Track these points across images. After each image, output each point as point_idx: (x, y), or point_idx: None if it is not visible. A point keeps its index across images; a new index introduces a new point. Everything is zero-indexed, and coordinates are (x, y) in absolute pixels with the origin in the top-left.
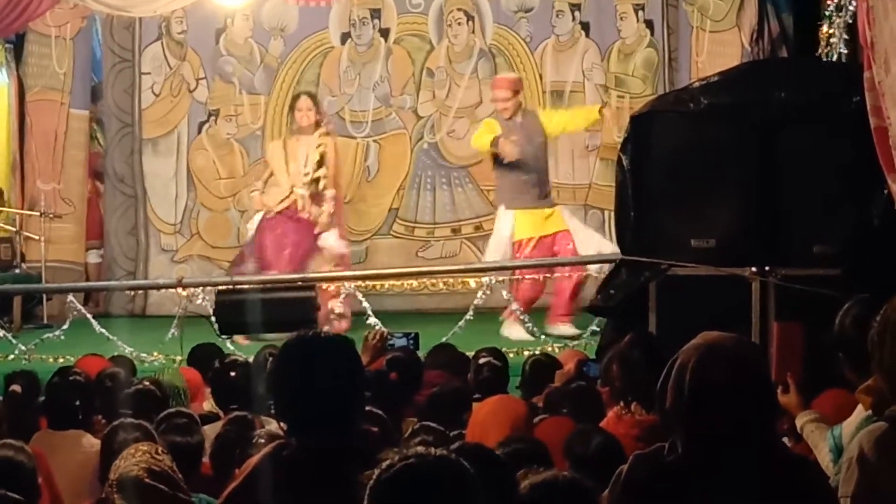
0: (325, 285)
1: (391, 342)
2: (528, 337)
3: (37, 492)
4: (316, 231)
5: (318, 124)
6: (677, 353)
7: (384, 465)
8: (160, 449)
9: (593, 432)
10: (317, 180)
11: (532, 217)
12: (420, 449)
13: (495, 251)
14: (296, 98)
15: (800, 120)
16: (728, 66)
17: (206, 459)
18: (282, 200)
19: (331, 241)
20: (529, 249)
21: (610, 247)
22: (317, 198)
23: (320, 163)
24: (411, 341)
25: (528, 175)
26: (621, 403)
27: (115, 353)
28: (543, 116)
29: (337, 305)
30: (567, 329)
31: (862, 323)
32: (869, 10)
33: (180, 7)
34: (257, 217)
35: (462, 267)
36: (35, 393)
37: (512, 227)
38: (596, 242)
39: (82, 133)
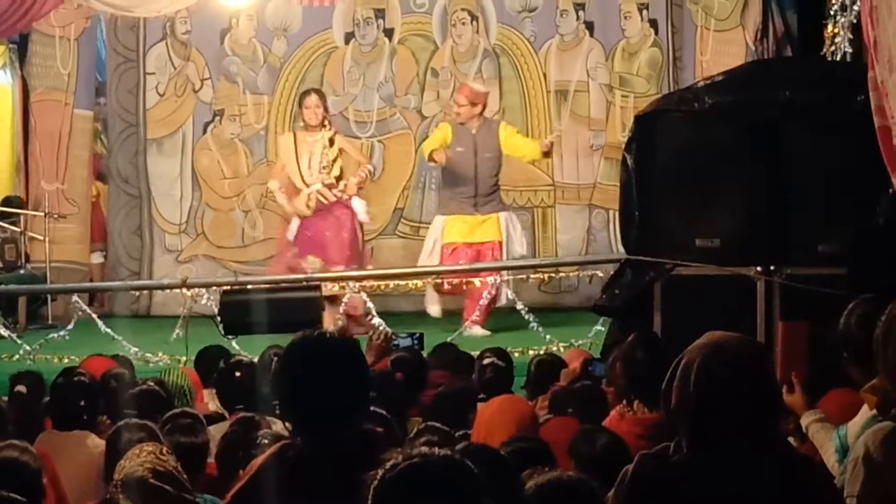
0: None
1: (396, 342)
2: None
3: (41, 492)
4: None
5: (324, 122)
6: (682, 353)
7: (388, 465)
8: (165, 449)
9: (598, 432)
10: (338, 178)
11: (461, 223)
12: (423, 449)
13: (425, 256)
14: (305, 95)
15: (804, 119)
16: (732, 66)
17: (211, 460)
18: (307, 204)
19: (358, 206)
20: (449, 254)
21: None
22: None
23: (335, 160)
24: (416, 341)
25: (465, 186)
26: (624, 402)
27: (116, 354)
28: (503, 132)
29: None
30: (479, 331)
31: (867, 322)
32: (872, 10)
33: (184, 7)
34: (295, 223)
35: (466, 266)
36: (40, 393)
37: (440, 231)
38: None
39: (86, 133)
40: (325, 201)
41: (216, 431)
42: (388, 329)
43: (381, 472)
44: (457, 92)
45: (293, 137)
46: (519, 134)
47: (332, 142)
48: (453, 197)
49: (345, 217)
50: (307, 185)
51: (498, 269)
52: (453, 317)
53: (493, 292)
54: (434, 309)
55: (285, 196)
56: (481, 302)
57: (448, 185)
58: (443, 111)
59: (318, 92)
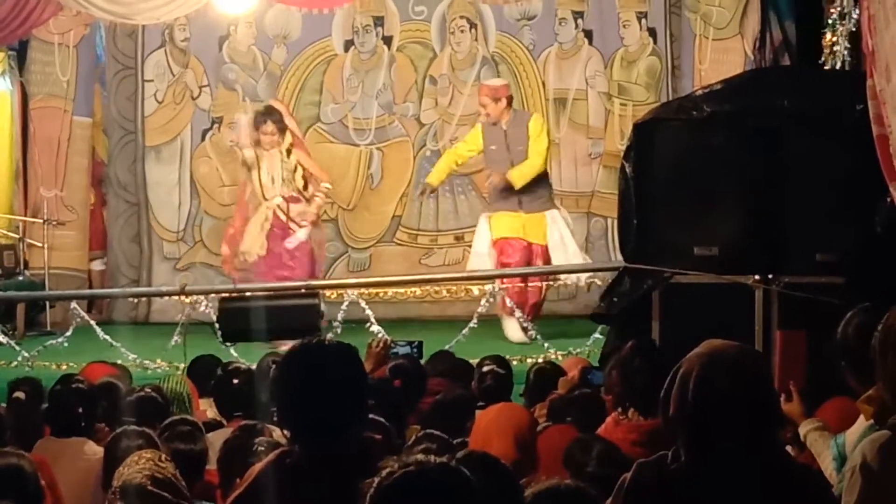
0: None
1: (395, 350)
2: (522, 336)
3: (39, 499)
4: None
5: (279, 141)
6: (681, 362)
7: (384, 472)
8: (164, 456)
9: (593, 441)
10: (306, 187)
11: (508, 219)
12: (420, 456)
13: (476, 256)
14: (262, 120)
15: (803, 128)
16: (731, 74)
17: (209, 467)
18: (265, 220)
19: (302, 235)
20: (501, 248)
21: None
22: (295, 200)
23: (296, 170)
24: (415, 349)
25: (506, 185)
26: (619, 409)
27: (114, 361)
28: (532, 126)
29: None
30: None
31: (865, 331)
32: (870, 19)
33: (183, 15)
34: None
35: (465, 274)
36: (39, 400)
37: (488, 229)
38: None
39: (85, 140)
40: (283, 218)
41: (214, 439)
42: (387, 337)
43: (377, 479)
44: (480, 95)
45: (254, 153)
46: (543, 139)
47: (289, 152)
48: (498, 198)
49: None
50: (265, 199)
51: (493, 277)
52: (450, 325)
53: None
54: (515, 334)
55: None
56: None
57: (491, 184)
58: (441, 118)
59: (272, 116)
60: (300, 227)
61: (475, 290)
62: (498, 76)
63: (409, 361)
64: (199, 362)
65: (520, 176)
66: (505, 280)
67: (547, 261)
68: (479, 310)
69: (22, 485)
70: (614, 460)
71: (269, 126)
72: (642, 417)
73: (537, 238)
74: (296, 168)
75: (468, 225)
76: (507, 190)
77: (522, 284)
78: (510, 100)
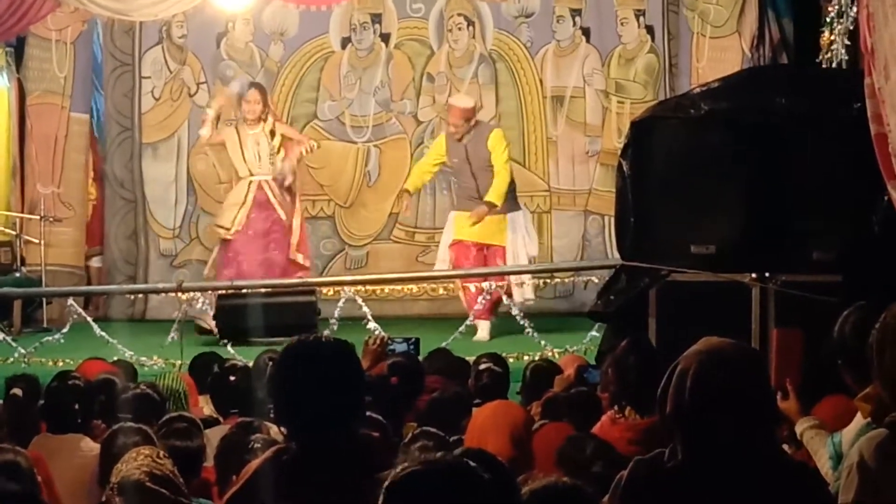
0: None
1: (391, 347)
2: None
3: (36, 495)
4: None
5: (262, 117)
6: (678, 359)
7: (399, 468)
8: (162, 453)
9: (586, 439)
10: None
11: (467, 221)
12: (438, 455)
13: (440, 256)
14: (246, 87)
15: (800, 126)
16: (729, 72)
17: (207, 464)
18: (246, 193)
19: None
20: (456, 252)
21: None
22: (283, 189)
23: (279, 151)
24: (412, 346)
25: (469, 186)
26: (615, 407)
27: (116, 358)
28: (491, 141)
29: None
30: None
31: (861, 330)
32: (869, 17)
33: (181, 11)
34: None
35: (462, 272)
36: (36, 396)
37: (451, 228)
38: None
39: (83, 137)
40: (269, 194)
41: (211, 435)
42: (384, 334)
43: (393, 474)
44: (448, 116)
45: (236, 131)
46: (502, 153)
47: (272, 134)
48: (461, 194)
49: (276, 237)
50: (251, 174)
51: (490, 275)
52: (447, 322)
53: (491, 295)
54: (483, 335)
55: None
56: (477, 306)
57: (457, 183)
58: (438, 116)
59: (259, 87)
60: (282, 208)
61: (472, 287)
62: (496, 74)
63: (407, 359)
64: (201, 359)
65: (497, 196)
66: (465, 281)
67: (504, 262)
68: (476, 307)
69: (18, 481)
70: (608, 458)
71: (253, 94)
72: (639, 416)
73: (496, 240)
74: (279, 149)
75: None
76: (474, 191)
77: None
78: (475, 116)
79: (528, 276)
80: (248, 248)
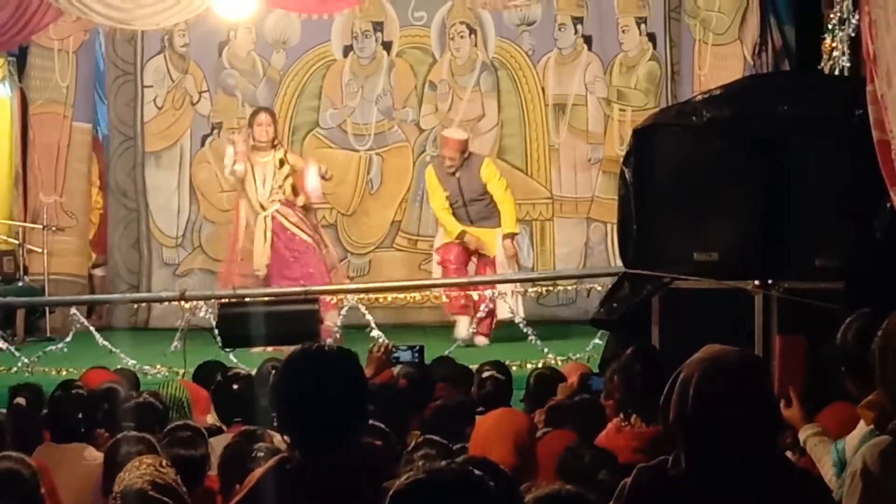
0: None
1: (396, 355)
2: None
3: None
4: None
5: (273, 142)
6: (680, 367)
7: (404, 477)
8: (165, 462)
9: (585, 449)
10: (296, 195)
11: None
12: (443, 463)
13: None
14: (255, 113)
15: (802, 133)
16: (730, 80)
17: (211, 473)
18: (265, 227)
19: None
20: (443, 252)
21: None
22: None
23: (287, 178)
24: (416, 354)
25: (459, 210)
26: (621, 415)
27: (120, 367)
28: (484, 172)
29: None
30: (482, 341)
31: (864, 337)
32: (871, 24)
33: (183, 20)
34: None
35: (465, 280)
36: (40, 406)
37: (441, 236)
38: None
39: (85, 146)
40: (285, 222)
41: (214, 444)
42: (388, 342)
43: (398, 483)
44: (442, 148)
45: (249, 164)
46: (499, 183)
47: (282, 163)
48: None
49: (307, 253)
50: (263, 209)
51: (493, 282)
52: (450, 330)
53: (491, 305)
54: (462, 333)
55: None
56: (479, 315)
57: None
58: (441, 124)
59: (269, 111)
60: (300, 230)
61: (475, 295)
62: (498, 82)
63: (417, 367)
64: (204, 368)
65: (512, 224)
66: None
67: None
68: (479, 315)
69: (22, 489)
70: (608, 467)
71: (265, 117)
72: (645, 424)
73: (486, 250)
74: (287, 177)
75: None
76: (466, 219)
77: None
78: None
79: (516, 288)
80: (282, 275)
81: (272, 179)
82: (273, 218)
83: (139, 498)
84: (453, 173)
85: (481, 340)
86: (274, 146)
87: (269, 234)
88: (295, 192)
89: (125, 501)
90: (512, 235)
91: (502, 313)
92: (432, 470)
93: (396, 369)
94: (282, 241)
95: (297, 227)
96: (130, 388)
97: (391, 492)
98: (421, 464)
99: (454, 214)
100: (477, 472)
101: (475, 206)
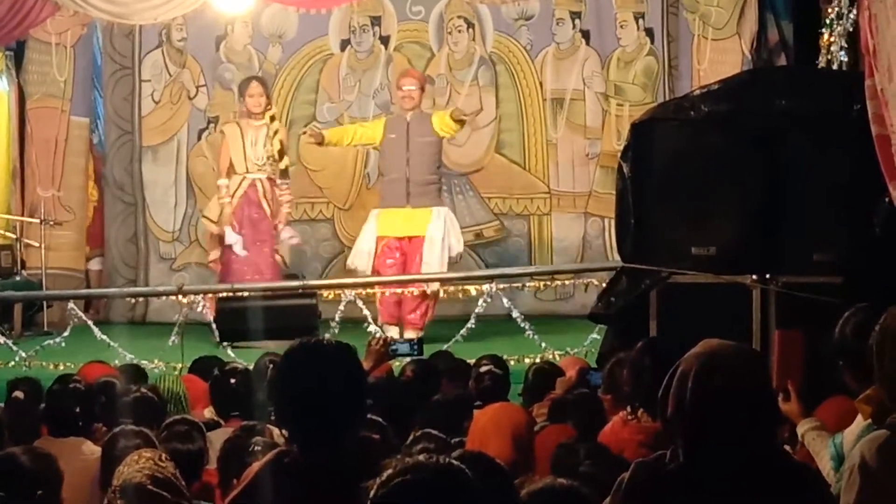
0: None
1: (394, 348)
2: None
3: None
4: (276, 222)
5: (266, 110)
6: (679, 361)
7: (386, 473)
8: (164, 456)
9: (579, 444)
10: (281, 157)
11: (393, 216)
12: (421, 457)
13: (357, 253)
14: (246, 83)
15: (800, 128)
16: (729, 75)
17: (209, 467)
18: (237, 187)
19: (286, 234)
20: (380, 248)
21: (438, 265)
22: (275, 182)
23: (281, 152)
24: (415, 348)
25: (397, 174)
26: (628, 409)
27: (124, 362)
28: (435, 117)
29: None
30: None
31: (862, 331)
32: (871, 18)
33: (180, 15)
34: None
35: (463, 274)
36: (38, 400)
37: (374, 226)
38: (436, 259)
39: (82, 140)
40: (259, 191)
41: (213, 439)
42: (387, 335)
43: (380, 479)
44: (404, 77)
45: (239, 129)
46: (444, 113)
47: (275, 133)
48: (386, 187)
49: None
50: (248, 172)
51: (493, 278)
52: (446, 324)
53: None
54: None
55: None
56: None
57: (383, 174)
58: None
59: (260, 80)
60: (271, 210)
61: (472, 290)
62: (496, 77)
63: (423, 361)
64: (201, 362)
65: (438, 125)
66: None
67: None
68: (477, 310)
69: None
70: (603, 461)
71: (257, 87)
72: (651, 419)
73: (419, 230)
74: (281, 149)
75: (466, 225)
76: (397, 182)
77: (401, 291)
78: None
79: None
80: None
81: (263, 147)
82: (252, 184)
83: (138, 492)
84: (410, 108)
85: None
86: (267, 112)
87: (238, 194)
88: (280, 154)
89: (124, 495)
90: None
91: (496, 308)
92: (411, 467)
93: (396, 363)
94: (250, 209)
95: (269, 204)
96: (136, 380)
97: (372, 493)
98: (402, 458)
99: (392, 191)
100: (457, 463)
101: (417, 159)
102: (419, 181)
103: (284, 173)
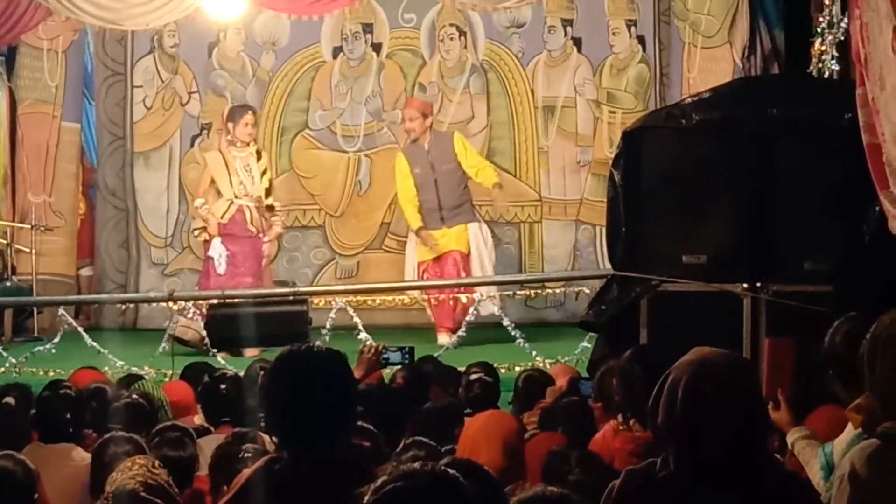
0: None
1: (386, 356)
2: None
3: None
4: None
5: (254, 141)
6: (669, 370)
7: (379, 479)
8: (157, 463)
9: (570, 452)
10: (268, 195)
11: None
12: (415, 465)
13: (408, 274)
14: (241, 112)
15: (791, 136)
16: (720, 83)
17: (200, 473)
18: (225, 212)
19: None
20: (422, 272)
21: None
22: (262, 211)
23: (269, 190)
24: (406, 356)
25: (429, 204)
26: (619, 418)
27: (114, 368)
28: (457, 143)
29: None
30: (446, 339)
31: (853, 340)
32: (863, 27)
33: (173, 20)
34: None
35: (453, 281)
36: (28, 406)
37: (414, 249)
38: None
39: (74, 146)
40: (247, 216)
41: (204, 445)
42: (379, 343)
43: (373, 486)
44: (405, 108)
45: (222, 156)
46: (473, 151)
47: (259, 154)
48: (423, 213)
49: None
50: (236, 197)
51: (483, 285)
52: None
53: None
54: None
55: (211, 213)
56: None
57: (420, 200)
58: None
59: (254, 110)
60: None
61: (463, 298)
62: (487, 84)
63: (414, 368)
64: (192, 369)
65: (493, 175)
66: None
67: (467, 269)
68: (467, 317)
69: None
70: (593, 470)
71: (251, 117)
72: (643, 428)
73: (460, 246)
74: (265, 171)
75: None
76: (435, 206)
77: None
78: (431, 121)
79: (495, 290)
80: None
81: (256, 173)
82: (239, 209)
83: (131, 499)
84: (416, 140)
85: (445, 339)
86: (253, 143)
87: (226, 217)
88: (267, 193)
89: (117, 502)
90: (498, 185)
91: (486, 316)
92: (405, 474)
93: (386, 371)
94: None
95: (258, 229)
96: (119, 388)
97: (371, 493)
98: (396, 465)
99: (423, 213)
100: (451, 471)
101: (445, 185)
102: (451, 206)
103: (271, 208)
